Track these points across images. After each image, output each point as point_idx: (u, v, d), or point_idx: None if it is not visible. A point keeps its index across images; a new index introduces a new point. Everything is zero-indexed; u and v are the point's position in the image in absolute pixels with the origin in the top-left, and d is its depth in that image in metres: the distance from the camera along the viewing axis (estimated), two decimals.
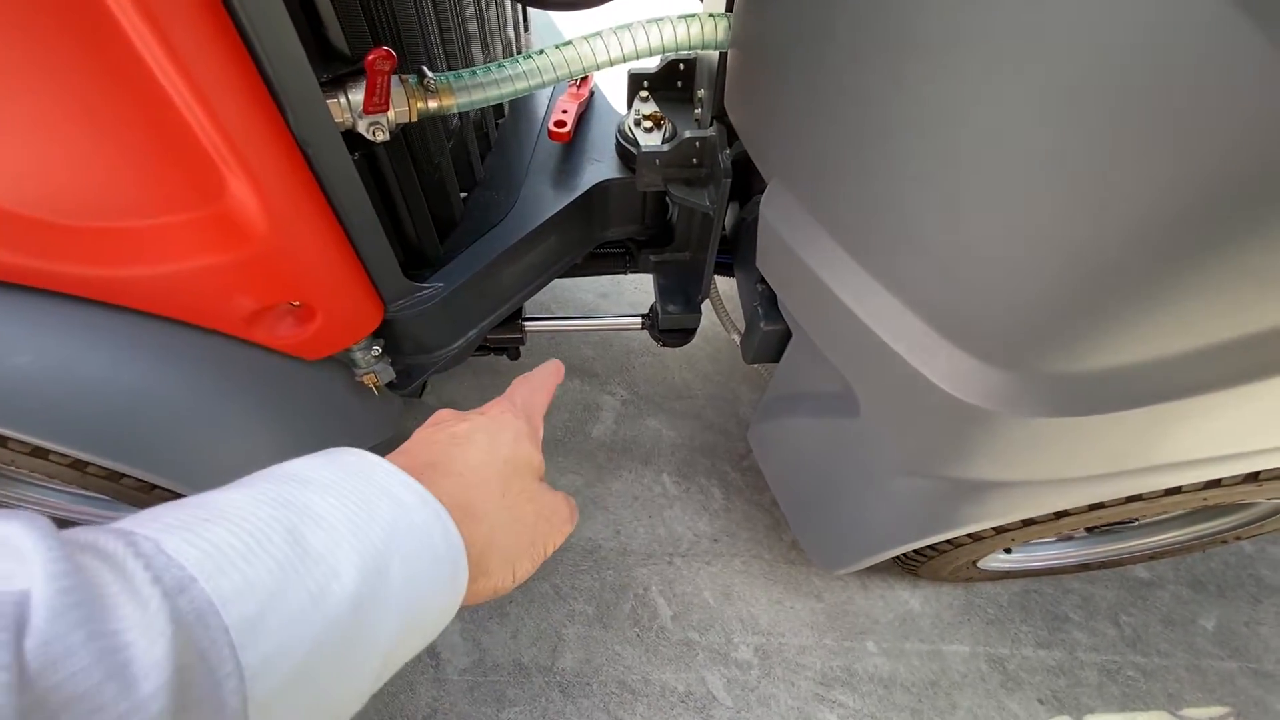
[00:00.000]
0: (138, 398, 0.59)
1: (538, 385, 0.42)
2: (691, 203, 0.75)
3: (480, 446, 0.33)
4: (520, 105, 0.98)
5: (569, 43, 0.58)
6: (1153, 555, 0.98)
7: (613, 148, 0.85)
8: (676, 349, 1.33)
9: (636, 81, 0.83)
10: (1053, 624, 1.04)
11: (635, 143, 0.77)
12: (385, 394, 0.83)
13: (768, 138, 0.62)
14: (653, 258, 0.95)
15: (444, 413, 0.37)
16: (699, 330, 0.97)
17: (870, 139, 0.46)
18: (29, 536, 0.18)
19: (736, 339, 0.92)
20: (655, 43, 0.59)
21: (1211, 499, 0.67)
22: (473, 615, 1.01)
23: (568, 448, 1.21)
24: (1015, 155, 0.38)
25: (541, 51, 0.58)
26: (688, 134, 0.74)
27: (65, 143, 0.42)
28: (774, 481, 0.95)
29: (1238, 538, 0.89)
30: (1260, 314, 0.37)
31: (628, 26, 0.58)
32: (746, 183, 0.85)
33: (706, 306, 0.94)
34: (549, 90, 0.98)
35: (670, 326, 0.94)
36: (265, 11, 0.40)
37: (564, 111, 0.86)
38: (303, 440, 0.72)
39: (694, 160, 0.76)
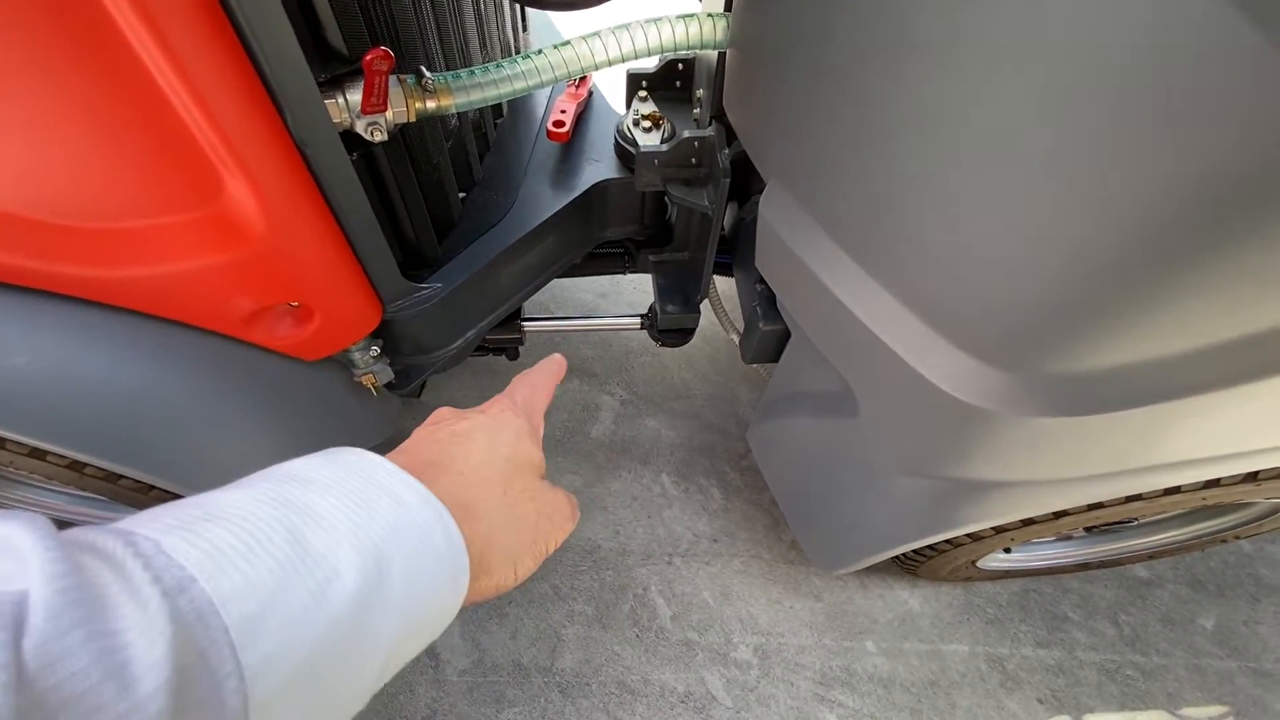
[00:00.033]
0: (136, 399, 0.59)
1: (538, 383, 0.42)
2: (690, 203, 0.75)
3: (481, 445, 0.33)
4: (519, 105, 0.98)
5: (567, 43, 0.58)
6: (1152, 555, 0.98)
7: (611, 148, 0.85)
8: (675, 349, 1.33)
9: (635, 81, 0.83)
10: (1052, 623, 1.04)
11: (634, 143, 0.76)
12: (384, 394, 0.83)
13: (766, 137, 0.62)
14: (652, 258, 0.95)
15: (444, 411, 0.37)
16: (698, 330, 0.97)
17: (869, 139, 0.46)
18: (28, 537, 0.18)
19: (735, 339, 0.92)
20: (654, 43, 0.59)
21: (1210, 499, 0.67)
22: (472, 615, 1.01)
23: (567, 448, 1.20)
24: (1015, 155, 0.38)
25: (540, 51, 0.58)
26: (686, 134, 0.74)
27: (63, 143, 0.42)
28: (773, 481, 0.95)
29: (1237, 537, 0.89)
30: (1260, 314, 0.37)
31: (626, 26, 0.58)
32: (745, 182, 0.85)
33: (705, 307, 0.94)
34: (548, 90, 0.98)
35: (669, 326, 0.94)
36: (263, 11, 0.40)
37: (563, 111, 0.86)
38: (301, 441, 0.72)
39: (693, 160, 0.76)
